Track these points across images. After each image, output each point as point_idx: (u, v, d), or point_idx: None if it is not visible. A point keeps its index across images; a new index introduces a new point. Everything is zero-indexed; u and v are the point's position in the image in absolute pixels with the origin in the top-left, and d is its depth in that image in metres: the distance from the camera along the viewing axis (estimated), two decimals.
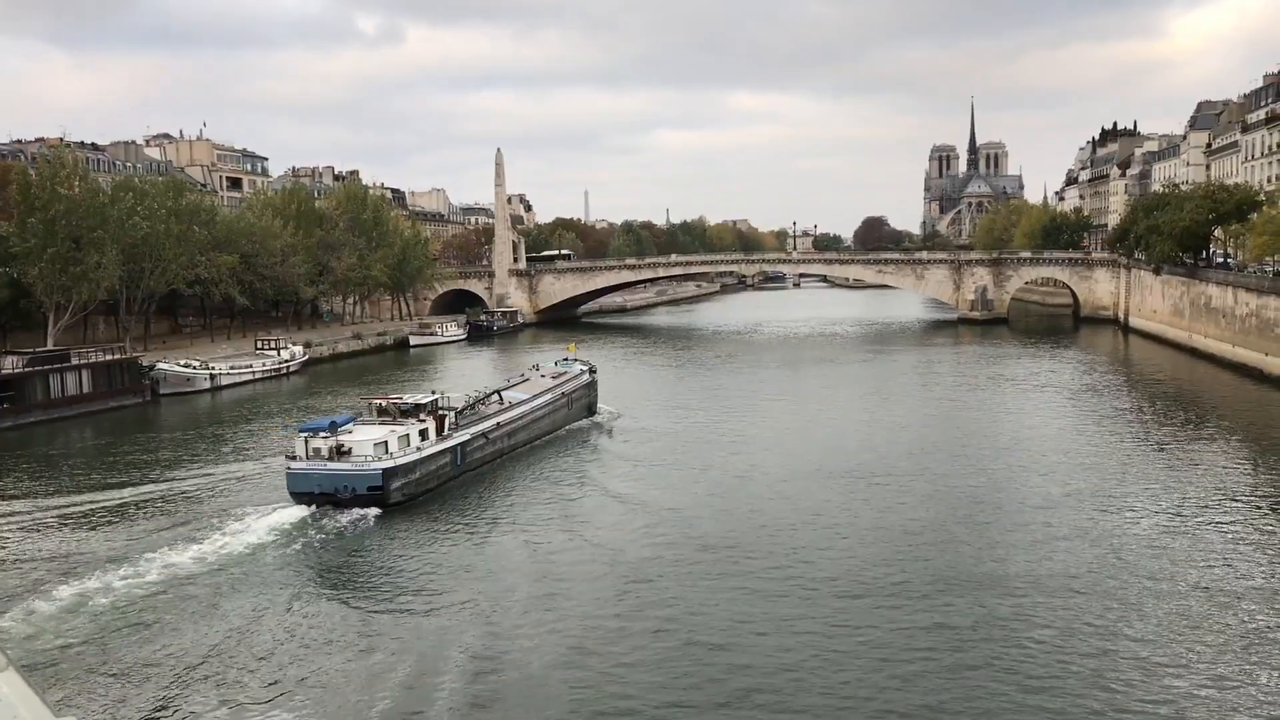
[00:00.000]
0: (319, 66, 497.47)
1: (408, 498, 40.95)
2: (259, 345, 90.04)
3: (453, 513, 40.52)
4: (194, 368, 78.15)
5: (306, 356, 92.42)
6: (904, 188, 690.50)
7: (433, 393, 48.54)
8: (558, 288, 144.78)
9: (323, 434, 40.89)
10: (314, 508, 39.31)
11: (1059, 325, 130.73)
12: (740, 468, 47.39)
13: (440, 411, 45.98)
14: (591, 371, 62.76)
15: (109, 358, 71.90)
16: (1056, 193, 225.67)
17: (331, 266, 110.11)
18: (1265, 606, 28.87)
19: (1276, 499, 40.62)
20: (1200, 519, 37.67)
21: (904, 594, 30.40)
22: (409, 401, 45.83)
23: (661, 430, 57.20)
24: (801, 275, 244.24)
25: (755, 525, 37.77)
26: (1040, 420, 59.68)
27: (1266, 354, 72.74)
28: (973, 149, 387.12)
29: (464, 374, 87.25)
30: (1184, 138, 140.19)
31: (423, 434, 43.21)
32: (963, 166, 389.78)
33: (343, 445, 40.75)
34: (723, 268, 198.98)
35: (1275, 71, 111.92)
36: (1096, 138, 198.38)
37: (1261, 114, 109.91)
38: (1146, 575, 31.61)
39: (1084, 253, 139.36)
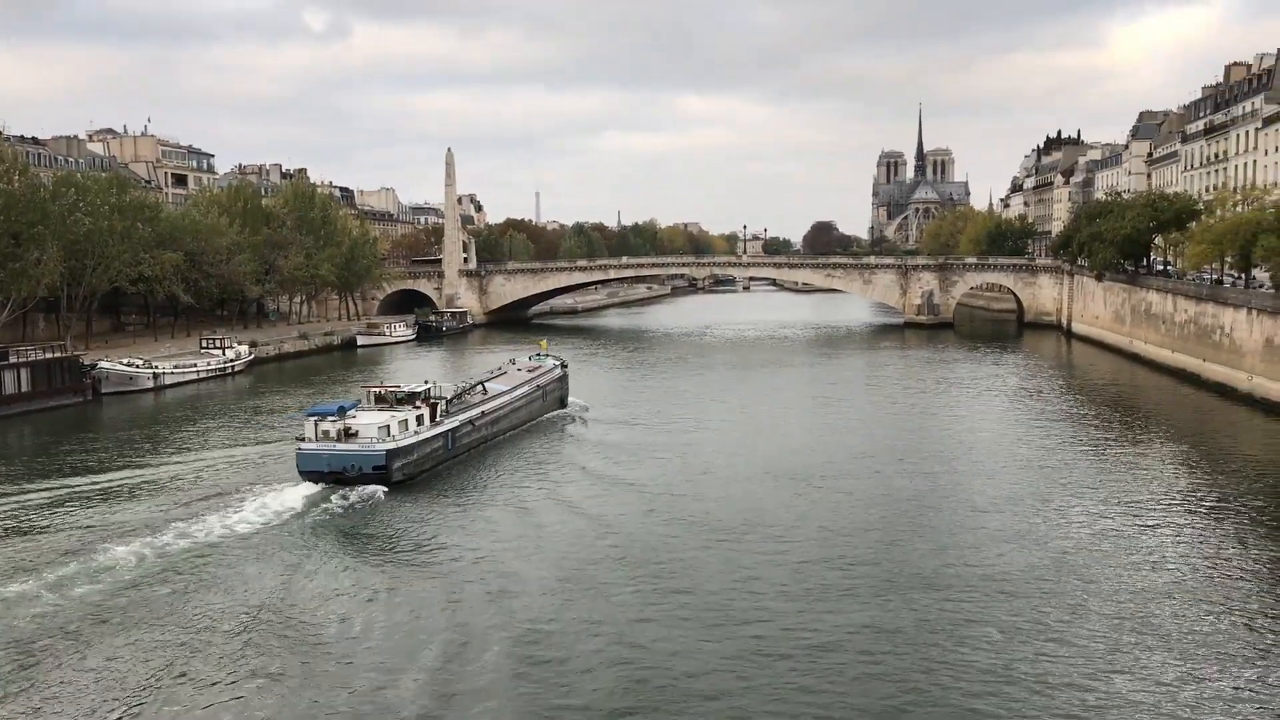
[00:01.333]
0: (265, 62, 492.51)
1: (407, 477, 44.28)
2: (203, 344, 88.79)
3: (448, 490, 43.85)
4: (137, 367, 76.84)
5: (252, 356, 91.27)
6: (852, 193, 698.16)
7: (425, 382, 51.37)
8: (508, 289, 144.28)
9: (331, 417, 44.29)
10: (322, 485, 42.45)
11: (1003, 330, 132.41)
12: (691, 469, 47.53)
13: (432, 400, 49.02)
14: (563, 366, 66.96)
15: (49, 356, 70.49)
16: (1002, 199, 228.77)
17: (278, 265, 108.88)
18: (1197, 605, 29.46)
19: (1210, 500, 41.47)
20: (1138, 520, 38.34)
21: (849, 595, 30.61)
22: (405, 390, 49.04)
23: (626, 420, 61.16)
24: (751, 278, 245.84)
25: (702, 527, 37.88)
26: (984, 424, 60.41)
27: (1204, 360, 74.20)
28: (920, 155, 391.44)
29: (413, 374, 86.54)
30: (1126, 147, 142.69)
31: (419, 420, 46.58)
32: (910, 173, 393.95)
33: (350, 428, 44.09)
34: (673, 270, 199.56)
35: (1213, 84, 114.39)
36: (1041, 146, 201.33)
37: (1200, 125, 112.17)
38: (1086, 575, 32.10)
39: (1028, 259, 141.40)
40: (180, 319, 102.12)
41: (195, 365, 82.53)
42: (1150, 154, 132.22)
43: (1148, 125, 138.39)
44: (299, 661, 26.19)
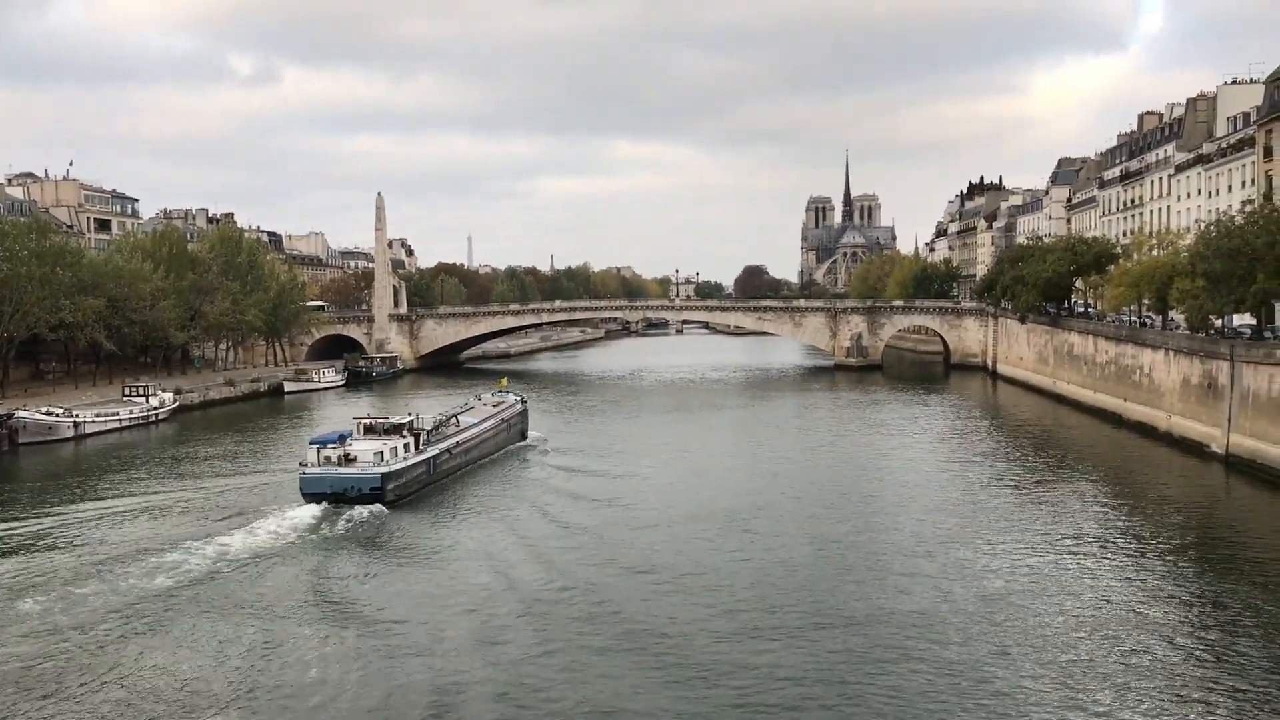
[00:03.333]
0: (191, 105, 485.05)
1: (399, 497, 49.50)
2: (126, 392, 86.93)
3: (435, 510, 49.24)
4: (56, 415, 74.97)
5: (176, 404, 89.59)
6: (782, 237, 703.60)
7: (409, 414, 56.21)
8: (440, 333, 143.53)
9: (332, 444, 50.24)
10: (325, 505, 47.10)
11: (931, 371, 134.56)
12: (627, 512, 47.86)
13: (415, 429, 54.02)
14: (523, 402, 73.69)
15: None
16: (927, 244, 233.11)
17: (204, 311, 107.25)
18: (1118, 635, 30.33)
19: (1130, 537, 42.68)
20: (1060, 557, 39.31)
21: (780, 633, 30.99)
22: (392, 421, 54.37)
23: (579, 450, 67.49)
24: (684, 322, 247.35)
25: (635, 567, 38.17)
26: (912, 464, 61.31)
27: (1125, 399, 76.06)
28: (848, 201, 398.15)
29: (341, 422, 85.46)
30: (1046, 193, 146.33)
31: (406, 447, 51.97)
32: (838, 218, 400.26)
33: (349, 453, 49.91)
34: (607, 314, 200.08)
35: (1128, 132, 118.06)
36: (965, 191, 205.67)
37: (1116, 171, 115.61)
38: (1011, 610, 32.84)
39: (954, 302, 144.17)
40: (102, 366, 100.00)
41: (117, 413, 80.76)
42: (1070, 199, 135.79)
43: (1067, 171, 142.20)
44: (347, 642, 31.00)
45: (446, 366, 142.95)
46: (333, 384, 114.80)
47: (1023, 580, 36.08)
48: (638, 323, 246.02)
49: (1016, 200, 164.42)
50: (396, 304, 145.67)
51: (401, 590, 36.26)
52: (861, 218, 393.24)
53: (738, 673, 27.82)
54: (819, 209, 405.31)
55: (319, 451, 49.63)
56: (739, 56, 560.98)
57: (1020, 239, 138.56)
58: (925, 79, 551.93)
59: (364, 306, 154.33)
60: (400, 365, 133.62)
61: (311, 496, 47.95)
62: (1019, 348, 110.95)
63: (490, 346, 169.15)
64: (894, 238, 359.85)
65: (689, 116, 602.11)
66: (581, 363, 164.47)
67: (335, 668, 28.95)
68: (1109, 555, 39.53)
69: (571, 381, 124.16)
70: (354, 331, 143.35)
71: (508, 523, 46.41)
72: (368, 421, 54.41)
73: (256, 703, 26.67)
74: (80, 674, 28.43)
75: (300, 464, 50.11)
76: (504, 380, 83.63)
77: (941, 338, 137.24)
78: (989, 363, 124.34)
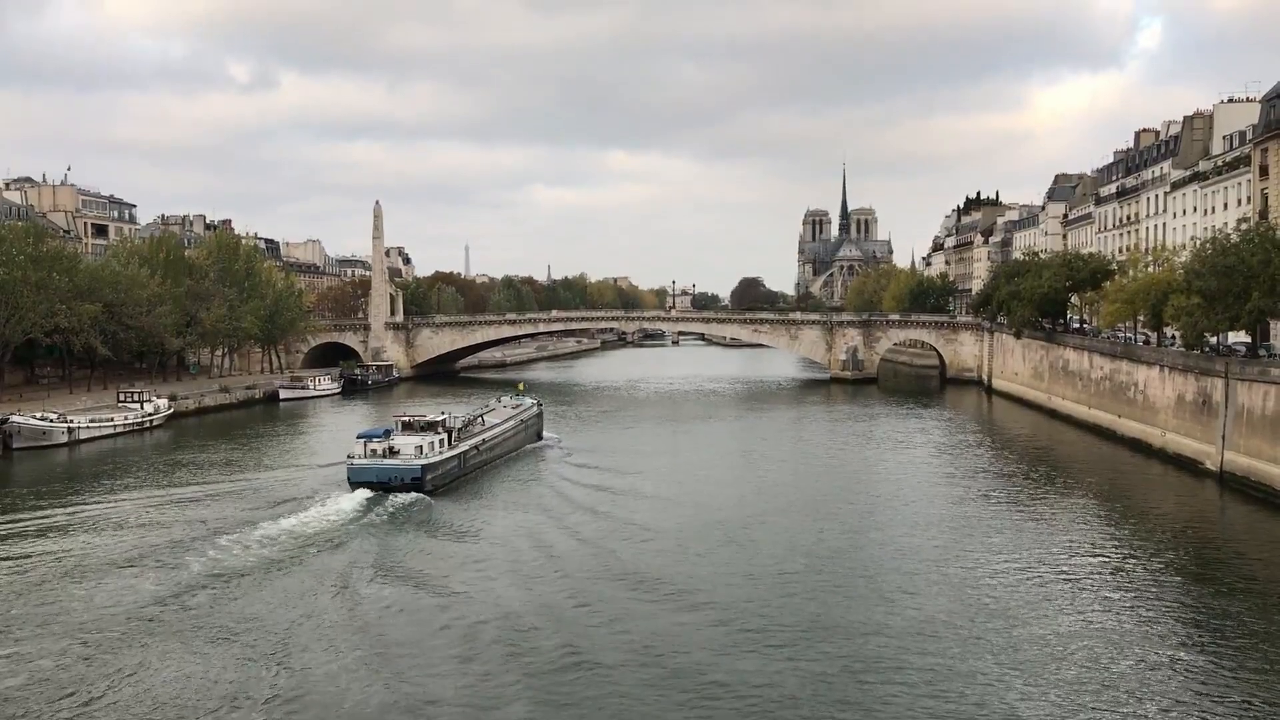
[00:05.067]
0: (188, 111, 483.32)
1: (436, 488, 54.61)
2: (121, 398, 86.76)
3: (470, 498, 54.80)
4: (50, 421, 74.83)
5: (171, 410, 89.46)
6: (779, 250, 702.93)
7: (442, 413, 61.44)
8: (435, 342, 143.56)
9: (377, 439, 56.00)
10: (371, 492, 52.39)
11: (926, 385, 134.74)
12: (618, 522, 48.05)
13: (448, 427, 58.93)
14: (539, 405, 79.16)
15: None
16: (924, 258, 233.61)
17: (200, 317, 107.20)
18: (1110, 649, 30.45)
19: (1123, 552, 42.85)
20: (1054, 570, 39.47)
21: (773, 642, 31.20)
22: (427, 418, 59.28)
23: (589, 450, 72.14)
24: (680, 333, 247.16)
25: (637, 574, 38.45)
26: (906, 478, 61.46)
27: (1119, 415, 76.23)
28: (844, 214, 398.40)
29: (337, 429, 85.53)
30: (1043, 208, 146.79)
31: (441, 443, 57.05)
32: (835, 231, 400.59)
33: (393, 446, 55.19)
34: (603, 324, 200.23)
35: (1124, 149, 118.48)
36: (961, 206, 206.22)
37: (1112, 188, 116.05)
38: (1005, 622, 33.01)
39: (949, 316, 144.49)
40: (97, 372, 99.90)
41: (112, 419, 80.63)
42: (1066, 215, 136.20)
43: (1063, 187, 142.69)
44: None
45: (442, 375, 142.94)
46: (328, 392, 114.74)
47: (1016, 596, 36.18)
48: (634, 333, 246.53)
49: (1013, 215, 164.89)
50: (393, 312, 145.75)
51: (447, 568, 40.51)
52: (858, 231, 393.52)
53: (732, 684, 27.87)
54: (816, 222, 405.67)
55: (365, 445, 55.41)
56: (733, 68, 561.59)
57: (1016, 254, 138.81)
58: (922, 93, 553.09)
59: (360, 315, 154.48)
60: (396, 374, 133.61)
61: (358, 484, 53.43)
62: (1014, 363, 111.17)
63: (486, 356, 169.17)
64: (890, 251, 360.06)
65: (684, 128, 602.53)
66: (578, 373, 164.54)
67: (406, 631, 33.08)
68: (1102, 572, 39.63)
69: (568, 391, 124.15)
70: (350, 339, 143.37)
71: (531, 512, 51.03)
72: (406, 419, 59.36)
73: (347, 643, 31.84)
74: (97, 681, 28.45)
75: (348, 456, 55.39)
76: (521, 385, 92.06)
77: (937, 352, 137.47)
78: (984, 377, 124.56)
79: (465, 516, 50.32)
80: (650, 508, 51.51)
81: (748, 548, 43.24)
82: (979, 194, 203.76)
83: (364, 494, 52.42)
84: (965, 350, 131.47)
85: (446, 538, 46.15)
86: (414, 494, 53.16)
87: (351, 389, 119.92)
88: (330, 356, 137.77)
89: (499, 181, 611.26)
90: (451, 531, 47.26)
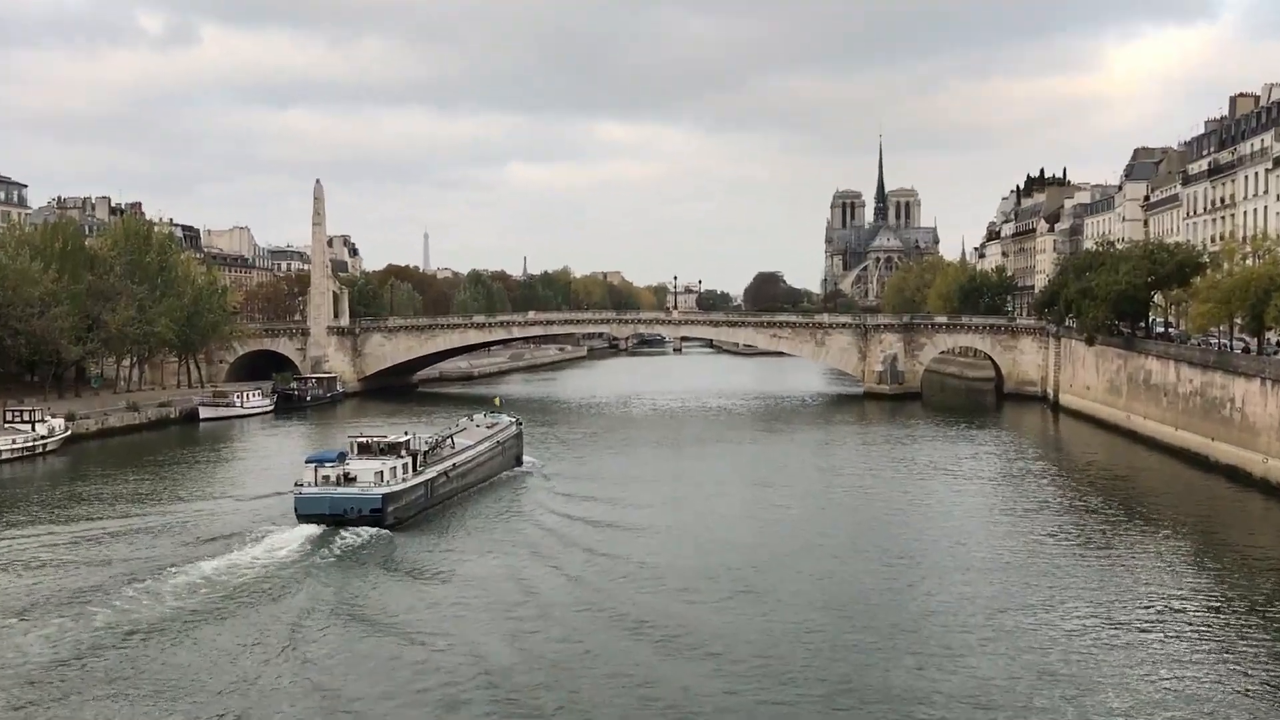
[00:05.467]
0: (89, 72, 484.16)
1: (398, 521, 55.13)
2: (8, 417, 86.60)
3: (439, 535, 55.12)
4: None
5: (69, 432, 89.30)
6: (802, 239, 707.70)
7: (405, 433, 61.92)
8: (388, 350, 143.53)
9: (330, 463, 56.15)
10: (321, 527, 52.75)
11: (979, 402, 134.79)
12: (613, 564, 48.29)
13: (412, 450, 59.32)
14: (518, 424, 79.55)
15: None
16: (976, 248, 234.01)
17: (104, 320, 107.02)
18: None
19: (1219, 604, 42.77)
20: (1135, 627, 39.40)
21: (795, 711, 31.23)
22: (388, 440, 59.66)
23: (576, 478, 73.36)
24: (683, 339, 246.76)
25: (639, 622, 39.01)
26: (956, 515, 61.48)
27: (1211, 438, 76.21)
28: (881, 196, 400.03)
29: (270, 454, 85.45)
30: (1119, 189, 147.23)
31: (405, 468, 57.68)
32: (869, 216, 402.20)
33: (349, 472, 55.49)
34: (590, 328, 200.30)
35: (1218, 117, 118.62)
36: (1021, 186, 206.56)
37: (1204, 164, 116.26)
38: (1075, 690, 32.87)
39: (1008, 318, 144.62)
40: None
41: None
42: (1147, 197, 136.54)
43: (1144, 164, 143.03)
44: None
45: (396, 390, 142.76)
46: (258, 409, 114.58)
47: (1088, 659, 36.07)
48: (628, 339, 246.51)
49: (1084, 198, 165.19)
50: (337, 314, 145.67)
51: (413, 618, 40.79)
52: (897, 216, 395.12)
53: None
54: (846, 206, 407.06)
55: (316, 470, 55.51)
56: (747, 21, 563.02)
57: (1088, 244, 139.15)
58: (974, 52, 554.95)
59: (298, 317, 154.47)
60: (340, 388, 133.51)
61: (307, 517, 53.55)
62: (1085, 374, 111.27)
63: (449, 366, 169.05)
64: (936, 241, 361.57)
65: (688, 93, 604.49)
66: (560, 386, 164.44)
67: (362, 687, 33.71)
68: (1192, 630, 39.52)
69: (549, 409, 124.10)
70: (285, 347, 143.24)
71: (511, 552, 51.38)
72: (363, 440, 59.85)
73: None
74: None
75: (295, 483, 55.16)
76: (498, 400, 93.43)
77: (993, 361, 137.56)
78: (1049, 392, 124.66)
79: (434, 556, 50.81)
80: (649, 546, 52.01)
81: (765, 596, 43.14)
82: (1042, 172, 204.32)
83: (312, 529, 52.67)
84: (1026, 359, 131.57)
85: (412, 581, 46.57)
86: (373, 529, 53.49)
87: (286, 406, 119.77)
88: (261, 367, 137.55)
89: (465, 157, 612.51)
90: (418, 573, 47.73)
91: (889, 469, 78.15)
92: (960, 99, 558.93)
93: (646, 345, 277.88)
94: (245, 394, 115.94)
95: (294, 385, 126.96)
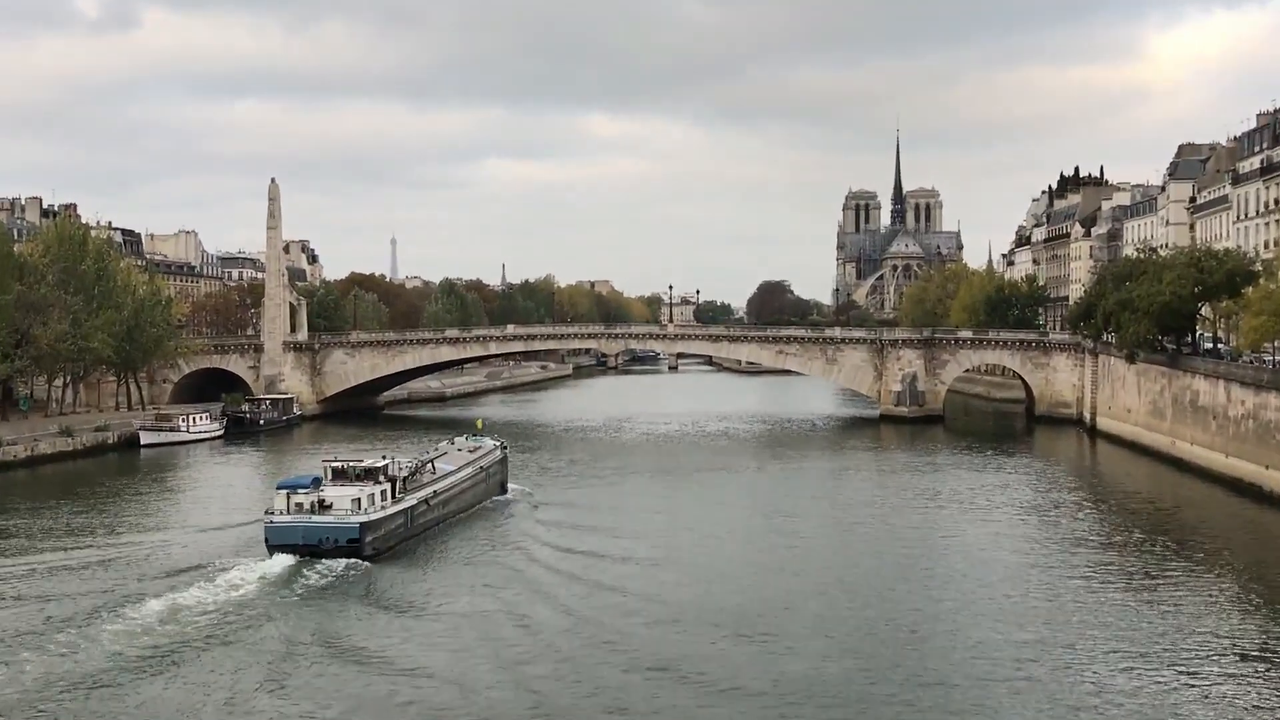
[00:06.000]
0: (18, 60, 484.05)
1: (376, 551, 56.71)
2: None
3: (422, 567, 56.69)
4: None
5: None
6: (811, 245, 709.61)
7: (384, 457, 63.59)
8: (351, 368, 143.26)
9: (303, 489, 57.15)
10: (294, 558, 54.30)
11: (1008, 426, 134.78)
12: (609, 601, 48.98)
13: (391, 475, 61.06)
14: (503, 449, 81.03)
15: None
16: (1004, 255, 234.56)
17: (34, 335, 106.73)
18: None
19: (1274, 651, 42.61)
20: (1186, 678, 39.35)
21: None
22: (365, 464, 61.32)
23: (564, 505, 75.47)
24: (680, 355, 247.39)
25: (625, 673, 39.14)
26: (982, 551, 61.44)
27: (1267, 466, 76.18)
28: (898, 197, 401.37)
29: (219, 484, 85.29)
30: (1162, 189, 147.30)
31: (383, 494, 59.18)
32: (885, 219, 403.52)
33: (324, 499, 56.78)
34: (577, 344, 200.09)
35: (1270, 110, 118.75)
36: (1054, 187, 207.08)
37: (1255, 162, 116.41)
38: None
39: (1039, 333, 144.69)
40: None
41: None
42: (1193, 198, 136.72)
43: (1189, 161, 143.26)
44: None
45: (360, 412, 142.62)
46: (206, 434, 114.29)
47: (1133, 714, 36.00)
48: (618, 356, 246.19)
49: (1123, 199, 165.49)
50: (294, 328, 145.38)
51: (396, 658, 41.66)
52: (917, 219, 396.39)
53: None
54: (860, 208, 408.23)
55: (289, 497, 56.85)
56: (751, 4, 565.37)
57: (1128, 250, 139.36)
58: (1001, 38, 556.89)
59: (250, 331, 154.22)
60: (298, 410, 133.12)
61: (280, 548, 55.08)
62: (1126, 395, 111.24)
63: (419, 386, 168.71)
64: (960, 246, 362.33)
65: (685, 83, 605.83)
66: (543, 409, 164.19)
67: None
68: (1248, 677, 39.53)
69: (531, 433, 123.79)
70: (236, 365, 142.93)
71: (499, 586, 52.51)
72: (337, 464, 61.49)
73: None
74: None
75: (266, 511, 57.06)
76: (480, 422, 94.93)
77: (1023, 380, 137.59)
78: (1085, 414, 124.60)
79: (417, 590, 52.13)
80: (647, 585, 52.71)
81: (772, 642, 43.15)
82: (1077, 171, 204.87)
83: (285, 560, 54.16)
84: (1060, 378, 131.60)
85: (395, 617, 47.65)
86: (350, 560, 55.02)
87: (237, 431, 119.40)
88: (209, 388, 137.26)
89: (437, 154, 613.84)
90: (401, 609, 48.88)
91: (908, 501, 78.01)
92: (985, 90, 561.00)
93: (639, 362, 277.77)
94: (191, 417, 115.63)
95: (246, 407, 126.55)
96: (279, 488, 58.57)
